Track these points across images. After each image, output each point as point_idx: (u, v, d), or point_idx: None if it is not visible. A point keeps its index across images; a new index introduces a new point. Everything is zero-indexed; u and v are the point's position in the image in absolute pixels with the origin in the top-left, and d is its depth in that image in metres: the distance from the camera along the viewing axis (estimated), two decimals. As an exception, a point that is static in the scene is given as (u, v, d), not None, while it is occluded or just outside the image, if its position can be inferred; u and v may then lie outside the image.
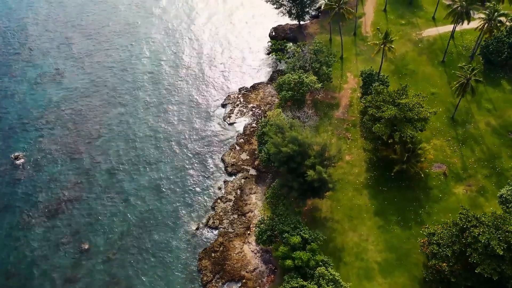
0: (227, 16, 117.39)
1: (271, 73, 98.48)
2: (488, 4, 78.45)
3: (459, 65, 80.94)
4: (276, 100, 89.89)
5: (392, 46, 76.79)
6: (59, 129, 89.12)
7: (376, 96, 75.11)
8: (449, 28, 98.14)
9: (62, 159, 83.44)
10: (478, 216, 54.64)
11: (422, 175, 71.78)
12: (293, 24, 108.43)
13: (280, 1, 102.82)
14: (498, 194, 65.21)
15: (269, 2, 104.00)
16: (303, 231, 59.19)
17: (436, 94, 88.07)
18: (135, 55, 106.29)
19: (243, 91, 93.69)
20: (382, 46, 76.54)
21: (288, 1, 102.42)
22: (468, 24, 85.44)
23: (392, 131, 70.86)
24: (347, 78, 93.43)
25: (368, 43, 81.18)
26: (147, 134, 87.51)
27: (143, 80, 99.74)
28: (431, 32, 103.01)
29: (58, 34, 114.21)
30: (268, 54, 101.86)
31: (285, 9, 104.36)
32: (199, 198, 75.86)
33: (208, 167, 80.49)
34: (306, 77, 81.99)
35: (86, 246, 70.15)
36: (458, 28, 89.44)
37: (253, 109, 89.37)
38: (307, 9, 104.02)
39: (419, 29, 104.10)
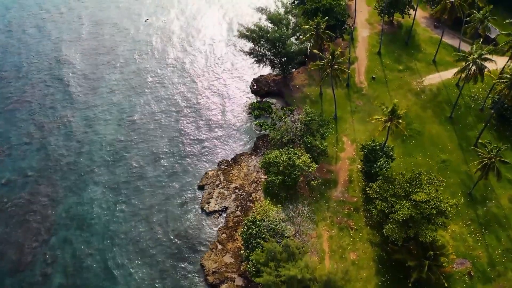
0: (199, 70, 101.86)
1: (255, 139, 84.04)
2: (508, 65, 66.19)
3: (480, 141, 68.74)
4: (263, 177, 75.84)
5: (400, 121, 63.83)
6: (-2, 228, 72.75)
7: (384, 184, 62.24)
8: (452, 73, 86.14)
9: (0, 273, 67.25)
10: None
11: (445, 284, 59.14)
12: (277, 74, 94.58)
13: (261, 53, 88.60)
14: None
15: (248, 55, 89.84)
16: None
17: (447, 162, 75.77)
18: (93, 126, 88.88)
19: (223, 166, 79.05)
20: (387, 123, 63.41)
21: (270, 53, 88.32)
22: (482, 82, 73.29)
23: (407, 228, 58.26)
24: (344, 144, 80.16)
25: (372, 121, 67.94)
26: (106, 235, 70.21)
27: (100, 159, 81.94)
28: (433, 79, 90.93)
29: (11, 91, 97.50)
30: (250, 113, 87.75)
31: (267, 58, 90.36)
32: (175, 326, 61.04)
33: (184, 279, 65.25)
34: (298, 158, 68.41)
35: None
36: (463, 74, 76.78)
37: (236, 190, 75.01)
38: (293, 59, 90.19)
39: (419, 76, 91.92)
